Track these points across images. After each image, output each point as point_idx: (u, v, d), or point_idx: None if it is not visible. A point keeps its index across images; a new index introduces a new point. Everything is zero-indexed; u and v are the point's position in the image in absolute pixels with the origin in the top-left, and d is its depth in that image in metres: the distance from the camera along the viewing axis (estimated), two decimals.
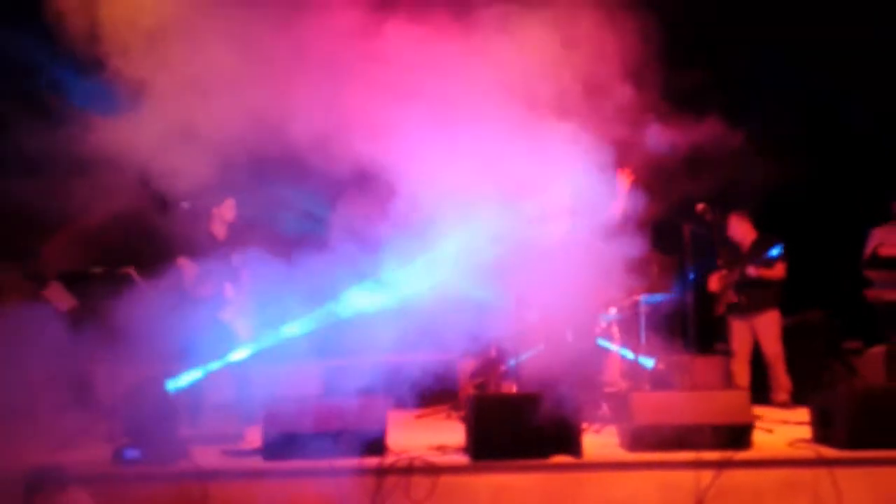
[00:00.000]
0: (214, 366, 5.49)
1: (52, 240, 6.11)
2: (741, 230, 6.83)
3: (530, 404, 4.48)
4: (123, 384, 4.66)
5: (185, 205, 5.67)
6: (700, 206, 5.89)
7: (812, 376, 6.98)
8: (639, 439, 4.55)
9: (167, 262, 5.50)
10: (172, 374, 4.92)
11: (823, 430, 4.73)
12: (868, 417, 4.49)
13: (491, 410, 4.49)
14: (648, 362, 6.44)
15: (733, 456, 4.42)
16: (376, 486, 4.33)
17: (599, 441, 5.00)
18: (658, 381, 6.37)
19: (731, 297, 6.76)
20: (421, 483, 4.36)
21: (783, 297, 6.79)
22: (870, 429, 4.47)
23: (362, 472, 4.35)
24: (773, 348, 6.70)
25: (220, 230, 6.08)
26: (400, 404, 7.24)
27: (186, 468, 4.38)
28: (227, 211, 6.07)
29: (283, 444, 4.43)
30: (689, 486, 4.38)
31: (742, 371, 6.82)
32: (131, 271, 5.06)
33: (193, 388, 5.58)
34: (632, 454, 4.56)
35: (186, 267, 5.42)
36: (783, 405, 6.47)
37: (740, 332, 6.78)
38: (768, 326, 6.71)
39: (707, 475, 4.38)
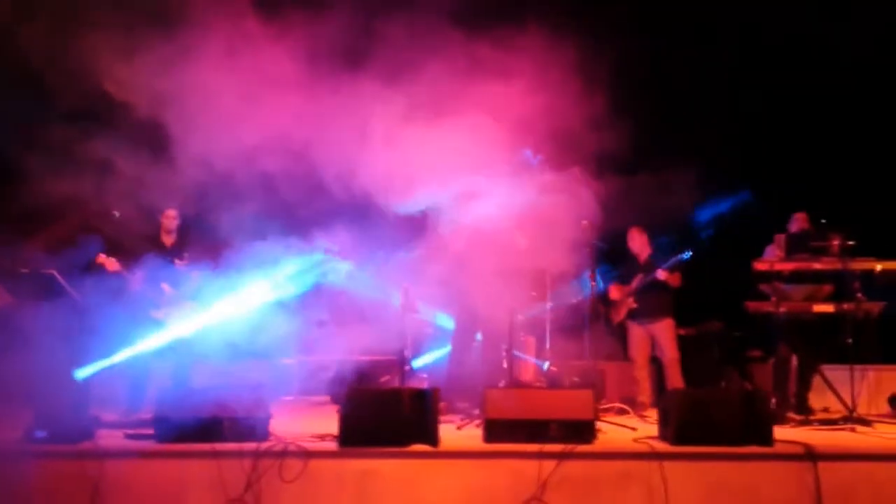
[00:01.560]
0: (137, 356, 6.10)
1: (33, 239, 6.73)
2: (639, 243, 7.33)
3: (393, 397, 5.01)
4: (39, 372, 5.22)
5: (115, 214, 6.26)
6: (584, 223, 6.37)
7: (710, 383, 7.48)
8: (491, 431, 5.06)
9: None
10: (83, 363, 5.49)
11: (663, 429, 5.23)
12: (692, 417, 4.98)
13: (358, 402, 5.00)
14: (544, 364, 6.97)
15: (574, 448, 4.91)
16: (252, 468, 4.87)
17: (469, 433, 5.52)
18: (552, 381, 6.89)
19: (632, 303, 7.26)
20: (293, 466, 4.88)
21: (677, 306, 7.29)
22: (694, 427, 4.96)
23: (241, 454, 4.89)
24: (671, 353, 7.19)
25: (166, 237, 6.68)
26: (335, 400, 7.87)
27: (86, 448, 4.95)
28: (168, 220, 6.66)
29: (172, 429, 4.98)
30: (533, 474, 4.87)
31: (644, 376, 7.32)
32: (54, 271, 5.64)
33: (135, 376, 6.20)
34: (486, 445, 5.07)
35: (108, 264, 6.00)
36: None
37: (639, 339, 7.28)
38: (665, 332, 7.21)
39: (550, 465, 4.88)
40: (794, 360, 6.90)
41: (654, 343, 7.27)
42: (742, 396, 5.08)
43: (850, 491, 4.83)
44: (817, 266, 6.34)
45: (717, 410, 4.99)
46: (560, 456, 4.87)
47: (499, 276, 6.27)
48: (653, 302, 7.20)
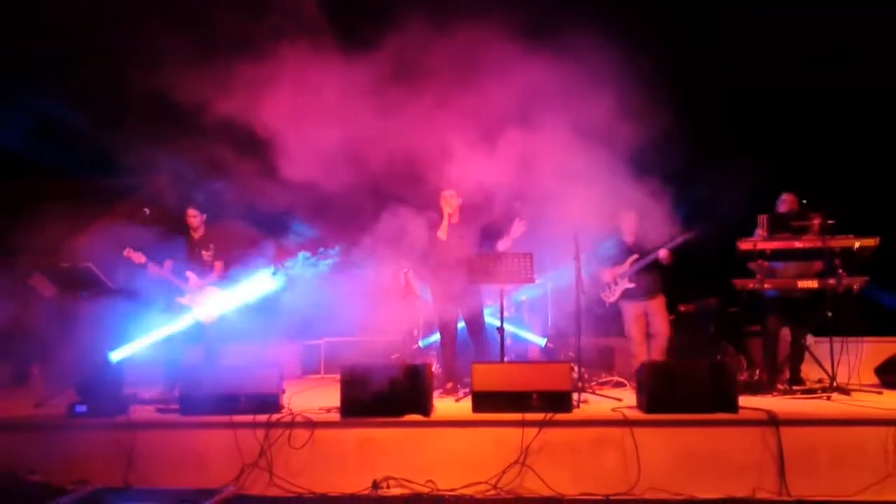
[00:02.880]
0: (166, 340, 6.75)
1: (82, 235, 7.44)
2: (634, 226, 7.64)
3: (389, 373, 5.54)
4: (79, 354, 5.91)
5: (146, 211, 6.90)
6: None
7: (706, 356, 7.82)
8: (478, 402, 5.55)
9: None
10: (117, 346, 6.17)
11: (639, 398, 5.66)
12: (661, 388, 5.40)
13: (357, 377, 5.54)
14: (542, 341, 7.41)
15: (553, 417, 5.39)
16: (265, 436, 5.47)
17: (463, 405, 6.02)
18: (549, 357, 7.33)
19: (628, 283, 7.61)
20: (301, 435, 5.48)
21: (676, 283, 7.65)
22: (664, 397, 5.38)
23: (254, 425, 5.49)
24: (663, 329, 7.53)
25: (194, 231, 7.30)
26: None
27: (121, 421, 5.61)
28: (190, 218, 7.27)
29: (195, 402, 5.60)
30: (516, 441, 5.36)
31: (641, 352, 7.69)
32: (90, 265, 6.29)
33: (167, 357, 6.85)
34: (474, 415, 5.57)
35: (134, 257, 6.65)
36: None
37: (635, 316, 7.62)
38: (659, 308, 7.55)
39: (532, 432, 5.36)
40: (787, 334, 7.21)
41: (648, 318, 7.60)
42: (709, 367, 5.45)
43: (810, 453, 5.21)
44: (798, 245, 6.62)
45: (685, 381, 5.41)
46: (541, 424, 5.35)
47: (476, 261, 6.57)
48: (647, 280, 7.51)
